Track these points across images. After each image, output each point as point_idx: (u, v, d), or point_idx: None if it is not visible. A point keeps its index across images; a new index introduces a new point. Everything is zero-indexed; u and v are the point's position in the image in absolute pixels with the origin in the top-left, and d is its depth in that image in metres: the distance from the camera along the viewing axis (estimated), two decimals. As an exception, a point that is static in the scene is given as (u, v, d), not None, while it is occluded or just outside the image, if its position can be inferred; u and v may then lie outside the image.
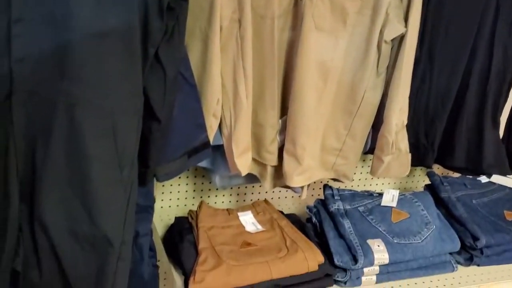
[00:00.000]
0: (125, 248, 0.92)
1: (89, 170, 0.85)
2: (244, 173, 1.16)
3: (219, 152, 1.20)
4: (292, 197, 1.57)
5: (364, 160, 1.58)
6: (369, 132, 1.25)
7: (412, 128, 1.31)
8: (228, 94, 1.11)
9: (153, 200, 1.11)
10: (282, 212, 1.34)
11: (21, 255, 0.93)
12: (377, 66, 1.16)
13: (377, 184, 1.66)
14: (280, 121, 1.19)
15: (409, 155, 1.25)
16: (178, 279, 1.14)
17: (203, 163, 1.23)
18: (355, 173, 1.52)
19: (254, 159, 1.21)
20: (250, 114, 1.13)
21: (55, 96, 0.83)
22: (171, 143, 1.01)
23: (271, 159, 1.20)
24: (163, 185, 1.42)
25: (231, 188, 1.50)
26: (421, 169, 1.67)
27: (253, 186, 1.53)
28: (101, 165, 0.86)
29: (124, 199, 0.90)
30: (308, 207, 1.33)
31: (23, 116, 0.84)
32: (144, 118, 0.92)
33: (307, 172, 1.20)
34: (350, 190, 1.34)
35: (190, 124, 1.06)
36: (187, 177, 1.44)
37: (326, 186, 1.33)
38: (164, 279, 1.32)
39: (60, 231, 0.89)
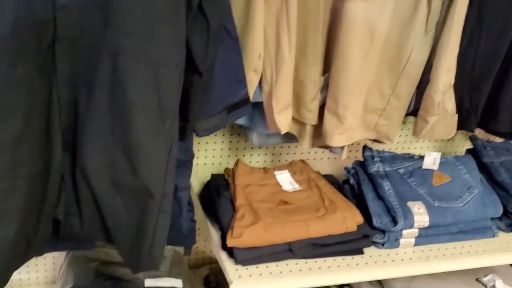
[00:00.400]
0: (166, 200, 0.92)
1: (132, 120, 0.85)
2: (284, 131, 1.14)
3: (258, 109, 1.18)
4: (328, 158, 1.55)
5: (403, 123, 1.54)
6: (413, 93, 1.21)
7: (456, 90, 1.26)
8: (270, 49, 1.08)
9: (192, 155, 1.10)
10: (319, 173, 1.33)
11: (63, 204, 0.94)
12: (426, 23, 1.10)
13: (415, 148, 1.62)
14: (322, 78, 1.15)
15: (456, 117, 1.21)
16: (215, 234, 1.14)
17: (241, 121, 1.21)
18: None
19: (292, 118, 1.18)
20: (292, 69, 1.09)
21: (99, 44, 0.82)
22: (211, 98, 1.00)
23: (311, 118, 1.18)
24: (198, 143, 1.41)
25: (267, 147, 1.49)
26: (461, 133, 1.62)
27: (288, 147, 1.51)
28: (144, 115, 0.85)
29: (165, 151, 0.90)
30: (346, 168, 1.31)
31: (67, 64, 0.84)
32: (186, 71, 0.90)
33: (348, 132, 1.17)
34: (390, 152, 1.31)
35: (231, 79, 1.04)
36: (223, 134, 1.43)
37: (365, 148, 1.30)
38: (198, 235, 1.33)
39: (102, 180, 0.89)
